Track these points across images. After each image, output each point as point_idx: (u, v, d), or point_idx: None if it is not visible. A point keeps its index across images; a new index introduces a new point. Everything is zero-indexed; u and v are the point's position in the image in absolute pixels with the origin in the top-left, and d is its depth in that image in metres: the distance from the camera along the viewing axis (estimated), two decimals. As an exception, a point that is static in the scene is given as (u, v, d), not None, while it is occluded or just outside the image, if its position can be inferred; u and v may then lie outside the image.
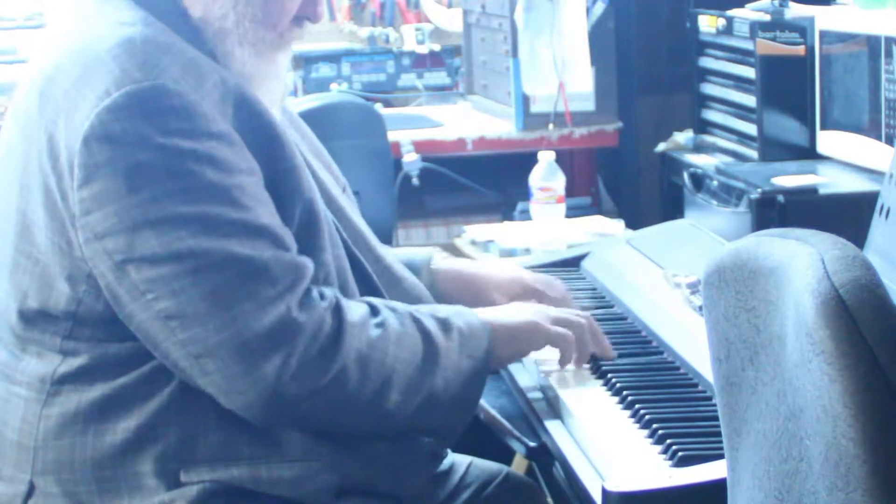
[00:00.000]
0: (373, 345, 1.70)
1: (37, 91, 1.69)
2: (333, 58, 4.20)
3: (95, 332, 1.67)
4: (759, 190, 2.62)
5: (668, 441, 1.63)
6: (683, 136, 3.38)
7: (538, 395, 1.93)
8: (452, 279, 2.07)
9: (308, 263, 1.69)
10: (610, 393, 1.85)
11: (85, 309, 1.66)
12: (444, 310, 1.83)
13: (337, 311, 1.69)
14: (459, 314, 1.82)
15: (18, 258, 1.70)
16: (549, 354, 1.94)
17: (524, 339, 1.87)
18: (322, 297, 1.69)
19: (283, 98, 1.85)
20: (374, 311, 1.75)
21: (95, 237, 1.61)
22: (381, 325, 1.72)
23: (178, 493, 1.65)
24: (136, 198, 1.60)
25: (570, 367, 1.94)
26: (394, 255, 1.95)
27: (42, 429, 1.68)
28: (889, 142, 2.57)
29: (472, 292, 2.04)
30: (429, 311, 1.80)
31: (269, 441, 1.68)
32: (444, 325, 1.78)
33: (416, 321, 1.76)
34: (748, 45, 3.02)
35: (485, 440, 2.01)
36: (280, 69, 1.79)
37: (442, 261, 2.09)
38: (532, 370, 1.98)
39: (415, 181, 3.58)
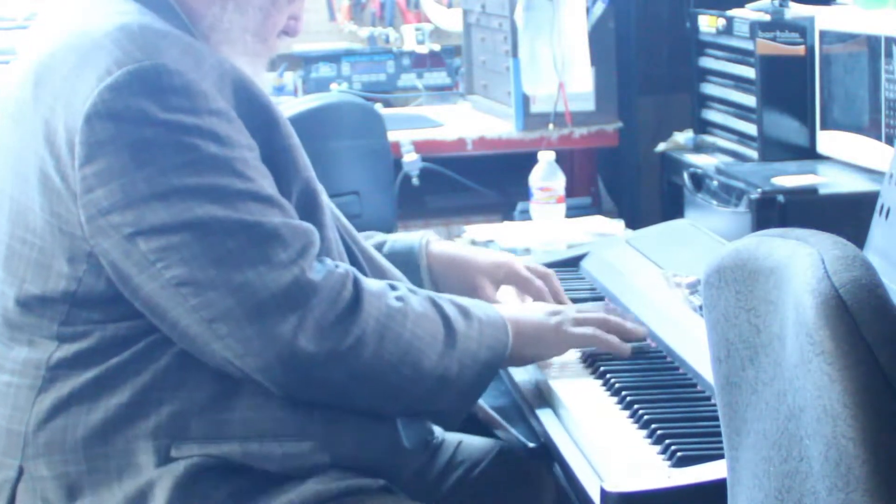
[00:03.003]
0: (392, 316, 1.71)
1: (31, 80, 1.70)
2: (333, 58, 4.20)
3: (93, 315, 1.68)
4: (759, 190, 2.62)
5: (667, 441, 1.63)
6: (683, 136, 3.38)
7: (536, 394, 1.92)
8: (445, 261, 2.12)
9: (315, 230, 1.71)
10: (609, 393, 1.84)
11: (84, 290, 1.67)
12: (463, 299, 1.85)
13: (355, 280, 1.71)
14: (479, 305, 1.85)
15: (13, 245, 1.71)
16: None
17: (546, 344, 1.90)
18: (338, 266, 1.71)
19: None
20: (393, 286, 1.77)
21: (100, 213, 1.62)
22: (400, 299, 1.74)
23: (166, 470, 1.65)
24: (141, 172, 1.62)
25: (571, 362, 1.94)
26: (374, 250, 1.97)
27: (34, 413, 1.68)
28: (889, 142, 2.57)
29: (460, 274, 2.11)
30: (448, 298, 1.82)
31: (263, 420, 1.68)
32: (464, 312, 1.80)
33: (436, 304, 1.78)
34: (748, 45, 3.02)
35: (484, 440, 2.01)
36: (263, 78, 1.86)
37: (436, 243, 2.15)
38: (531, 369, 1.98)
39: (415, 181, 3.58)
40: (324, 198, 1.79)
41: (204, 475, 1.66)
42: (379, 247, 2.10)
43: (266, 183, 1.68)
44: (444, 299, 1.81)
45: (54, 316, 1.68)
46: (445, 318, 1.77)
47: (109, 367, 1.67)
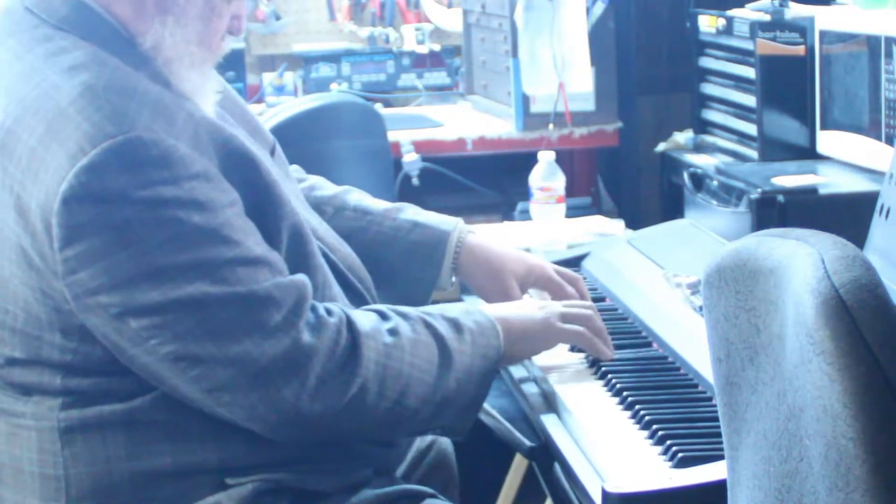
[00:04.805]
0: (389, 353, 1.71)
1: None
2: (333, 58, 4.20)
3: (98, 367, 1.65)
4: (759, 190, 2.62)
5: (669, 442, 1.63)
6: (683, 136, 3.38)
7: (538, 394, 1.93)
8: (478, 257, 2.08)
9: (306, 281, 1.69)
10: (610, 393, 1.84)
11: (81, 357, 1.64)
12: (454, 309, 1.84)
13: (349, 324, 1.70)
14: (468, 313, 1.84)
15: None
16: (552, 354, 1.95)
17: (536, 339, 1.90)
18: (330, 313, 1.69)
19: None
20: (384, 316, 1.76)
21: (86, 293, 1.58)
22: (393, 331, 1.74)
23: (225, 496, 1.66)
24: (126, 252, 1.57)
25: (573, 363, 1.95)
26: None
27: (67, 456, 1.66)
28: (889, 142, 2.57)
29: (491, 273, 2.07)
30: (439, 313, 1.81)
31: (305, 448, 1.71)
32: (456, 326, 1.80)
33: (429, 325, 1.77)
34: (748, 45, 3.02)
35: (485, 440, 2.01)
36: (215, 81, 1.80)
37: (473, 236, 2.10)
38: (532, 369, 1.98)
39: (415, 181, 3.57)
40: (306, 226, 1.76)
41: (264, 496, 1.67)
42: (409, 228, 2.08)
43: (252, 241, 1.65)
44: (436, 316, 1.80)
45: (56, 372, 1.66)
46: (439, 339, 1.77)
47: (135, 411, 1.65)
